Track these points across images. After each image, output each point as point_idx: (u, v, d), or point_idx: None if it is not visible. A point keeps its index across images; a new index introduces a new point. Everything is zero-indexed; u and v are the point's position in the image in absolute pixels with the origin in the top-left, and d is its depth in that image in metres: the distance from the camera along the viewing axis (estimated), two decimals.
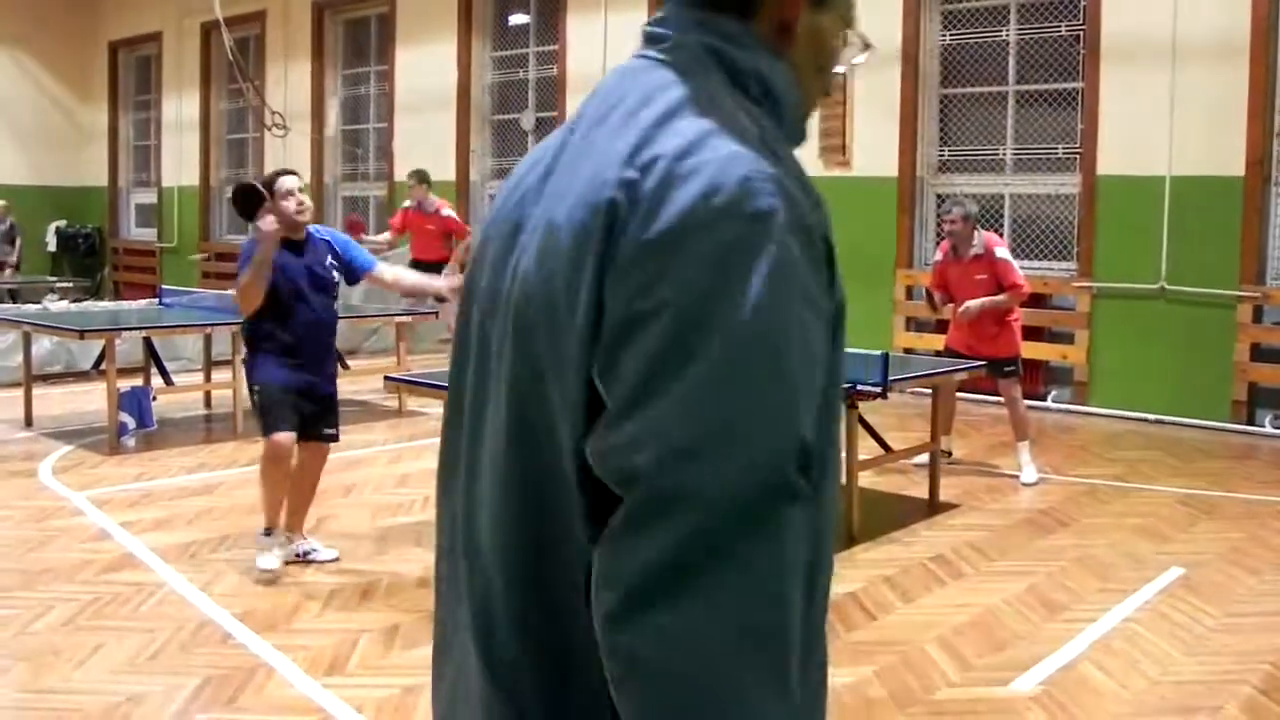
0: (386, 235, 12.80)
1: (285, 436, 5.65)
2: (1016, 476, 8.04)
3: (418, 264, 11.92)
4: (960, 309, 8.04)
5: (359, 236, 12.05)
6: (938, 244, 9.67)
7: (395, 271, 6.40)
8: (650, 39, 1.37)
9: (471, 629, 1.34)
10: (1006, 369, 8.14)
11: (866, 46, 1.57)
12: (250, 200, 5.68)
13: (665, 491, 1.10)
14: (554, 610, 1.24)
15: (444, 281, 5.97)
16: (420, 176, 12.75)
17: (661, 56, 1.33)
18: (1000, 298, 7.94)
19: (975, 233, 8.11)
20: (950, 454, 8.38)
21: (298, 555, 5.93)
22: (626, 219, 1.16)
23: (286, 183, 5.79)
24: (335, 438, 6.02)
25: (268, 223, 5.57)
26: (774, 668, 1.09)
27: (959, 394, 10.86)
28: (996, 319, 8.08)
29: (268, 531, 5.79)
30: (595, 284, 1.17)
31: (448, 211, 12.68)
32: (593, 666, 1.17)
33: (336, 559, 5.99)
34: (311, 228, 5.93)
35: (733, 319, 1.12)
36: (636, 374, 1.13)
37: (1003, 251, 8.08)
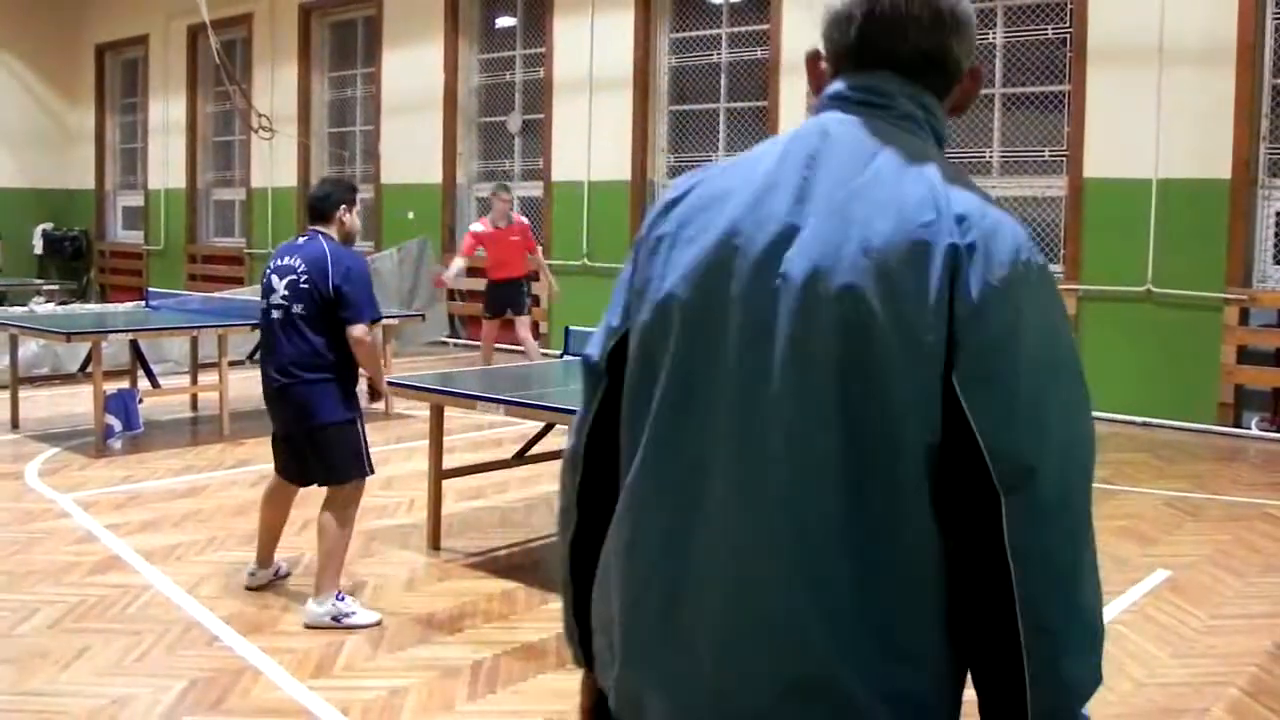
0: (460, 264, 11.71)
1: None
2: None
3: (500, 284, 11.81)
4: None
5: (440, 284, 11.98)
6: None
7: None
8: (868, 102, 1.65)
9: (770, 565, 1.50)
10: None
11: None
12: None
13: (1064, 478, 1.48)
14: (865, 536, 1.47)
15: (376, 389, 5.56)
16: (506, 186, 12.37)
17: (894, 120, 1.64)
18: None
19: None
20: None
21: (278, 575, 5.72)
22: (967, 264, 1.46)
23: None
24: None
25: None
26: (1092, 561, 1.57)
27: None
28: None
29: (341, 594, 5.19)
30: (948, 312, 1.44)
31: (525, 219, 12.20)
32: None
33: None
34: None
35: (1067, 342, 1.53)
36: (1016, 392, 1.45)
37: None
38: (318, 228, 5.39)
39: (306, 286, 5.17)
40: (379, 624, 5.10)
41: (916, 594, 1.49)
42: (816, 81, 1.73)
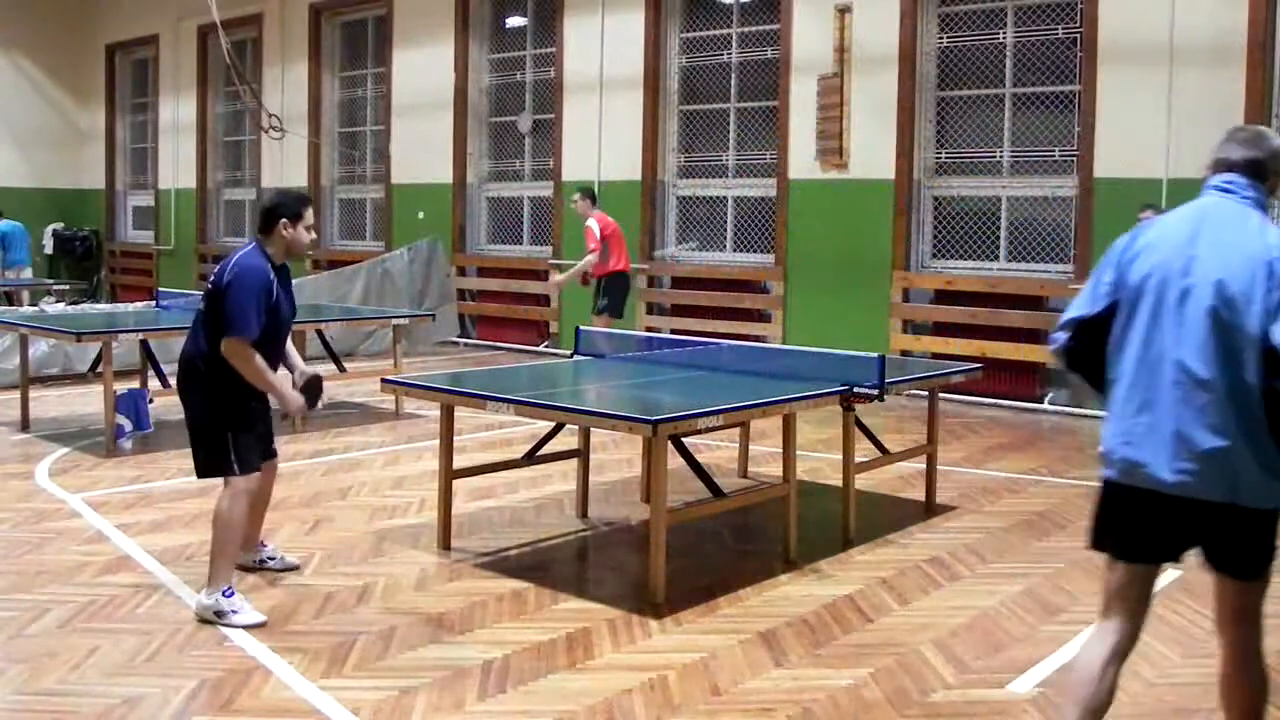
0: (592, 257, 11.90)
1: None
2: (1012, 479, 8.06)
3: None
4: None
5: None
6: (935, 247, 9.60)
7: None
8: (1227, 190, 3.42)
9: (1184, 403, 3.27)
10: None
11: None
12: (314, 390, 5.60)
13: None
14: (1239, 388, 3.20)
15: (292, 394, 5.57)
16: (584, 193, 12.39)
17: (1244, 203, 3.38)
18: None
19: None
20: None
21: (257, 563, 5.80)
22: (1276, 270, 3.18)
23: (310, 216, 5.51)
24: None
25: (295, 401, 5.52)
26: None
27: (956, 396, 10.90)
28: None
29: (230, 590, 5.20)
30: (1265, 291, 3.17)
31: (590, 222, 12.02)
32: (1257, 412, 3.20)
33: (297, 568, 5.88)
34: None
35: None
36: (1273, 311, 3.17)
37: None
38: (259, 237, 5.44)
39: (210, 288, 5.34)
40: (263, 625, 5.06)
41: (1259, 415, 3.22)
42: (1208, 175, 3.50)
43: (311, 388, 5.64)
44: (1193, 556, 3.53)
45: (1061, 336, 3.56)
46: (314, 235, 5.55)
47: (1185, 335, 3.25)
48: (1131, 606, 3.52)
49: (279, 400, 5.46)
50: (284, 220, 5.39)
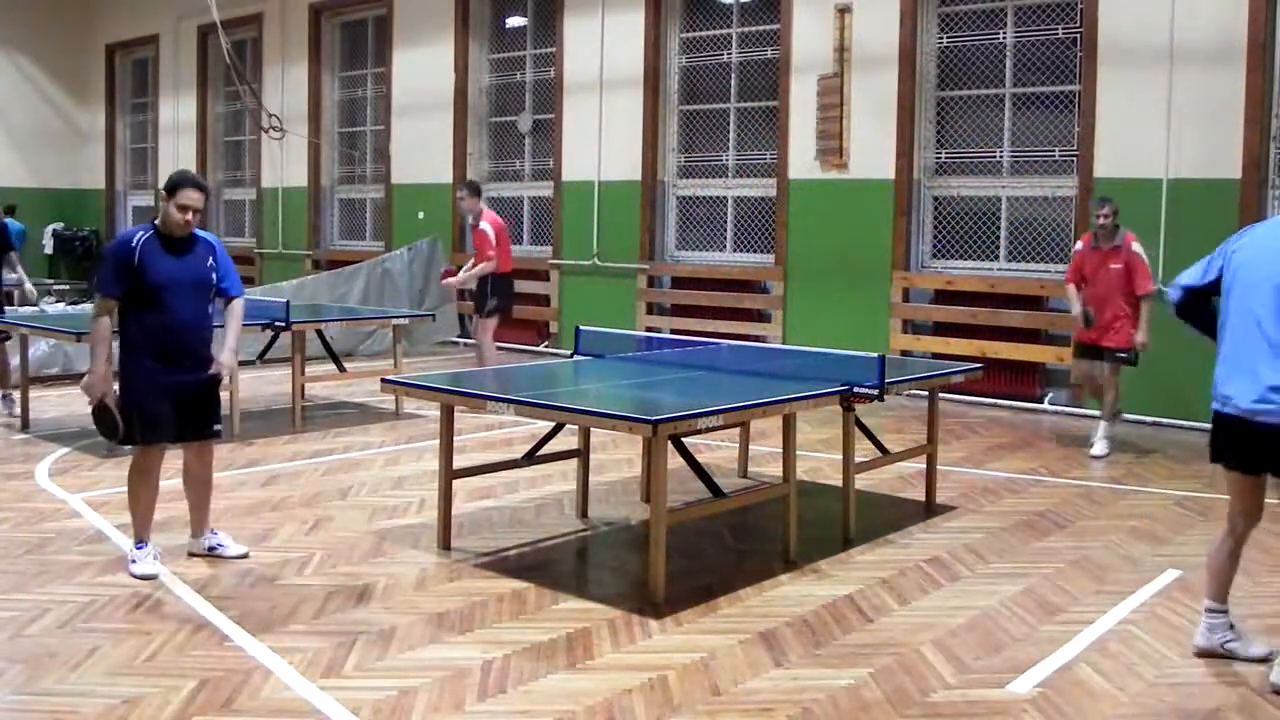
0: (489, 265, 11.23)
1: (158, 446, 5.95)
2: (1012, 479, 8.06)
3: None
4: (1078, 316, 8.98)
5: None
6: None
7: (232, 321, 6.17)
8: None
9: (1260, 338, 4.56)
10: (1120, 356, 8.89)
11: None
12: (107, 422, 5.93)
13: None
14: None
15: (228, 357, 6.04)
16: (470, 187, 11.67)
17: None
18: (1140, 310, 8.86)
19: (1119, 226, 8.89)
20: (1119, 413, 9.38)
21: (207, 550, 6.08)
22: None
23: (191, 198, 5.77)
24: (218, 434, 6.15)
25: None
26: None
27: (956, 396, 10.90)
28: (1117, 313, 8.84)
29: (140, 544, 5.88)
30: None
31: (484, 225, 11.25)
32: None
33: (245, 555, 6.09)
34: (196, 231, 5.93)
35: None
36: None
37: (1138, 247, 8.87)
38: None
39: None
40: (154, 579, 5.69)
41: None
42: None
43: (102, 412, 5.93)
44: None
45: (1176, 294, 4.93)
46: (185, 217, 5.77)
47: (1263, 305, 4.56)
48: (1246, 505, 4.74)
49: (94, 377, 5.82)
50: (165, 195, 5.83)
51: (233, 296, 6.10)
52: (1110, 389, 9.05)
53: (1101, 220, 8.86)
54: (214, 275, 5.93)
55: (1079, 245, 9.23)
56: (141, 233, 5.79)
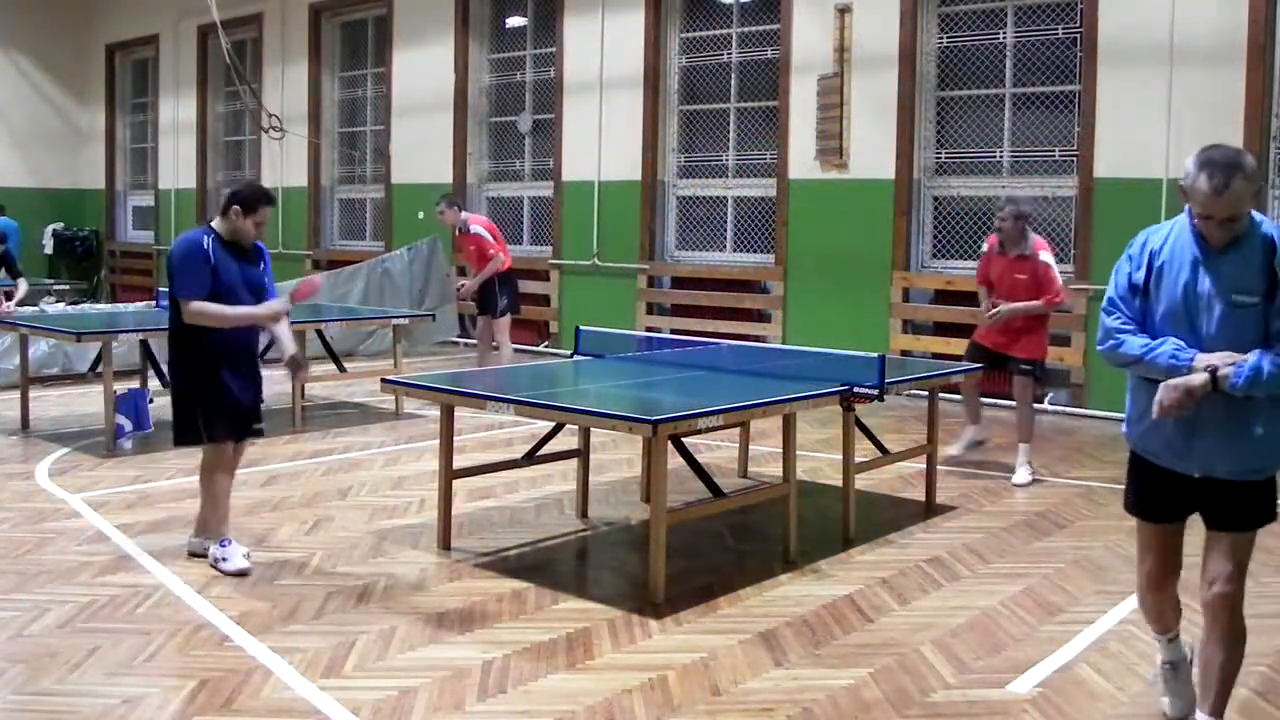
0: (496, 263, 11.37)
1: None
2: (1012, 479, 8.06)
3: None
4: (990, 313, 8.19)
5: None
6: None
7: (282, 319, 6.25)
8: None
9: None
10: (1024, 368, 8.24)
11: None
12: None
13: None
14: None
15: (295, 349, 6.16)
16: (448, 199, 11.84)
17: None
18: (1034, 304, 8.08)
19: (1025, 233, 8.20)
20: (983, 442, 8.68)
21: (212, 560, 5.95)
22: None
23: (268, 215, 5.99)
24: (261, 433, 6.28)
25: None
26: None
27: (956, 396, 10.88)
28: (1025, 321, 8.19)
29: (225, 541, 5.91)
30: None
31: (476, 229, 11.41)
32: None
33: (245, 573, 5.86)
34: None
35: None
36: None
37: (1047, 256, 8.15)
38: (212, 218, 6.07)
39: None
40: (245, 574, 5.74)
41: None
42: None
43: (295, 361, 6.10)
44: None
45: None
46: (260, 231, 5.99)
47: None
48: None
49: (263, 319, 5.98)
50: (236, 207, 5.88)
51: (271, 299, 6.19)
52: (1023, 404, 8.29)
53: (998, 224, 8.24)
54: (266, 279, 6.11)
55: (985, 247, 8.55)
56: (205, 236, 5.88)
